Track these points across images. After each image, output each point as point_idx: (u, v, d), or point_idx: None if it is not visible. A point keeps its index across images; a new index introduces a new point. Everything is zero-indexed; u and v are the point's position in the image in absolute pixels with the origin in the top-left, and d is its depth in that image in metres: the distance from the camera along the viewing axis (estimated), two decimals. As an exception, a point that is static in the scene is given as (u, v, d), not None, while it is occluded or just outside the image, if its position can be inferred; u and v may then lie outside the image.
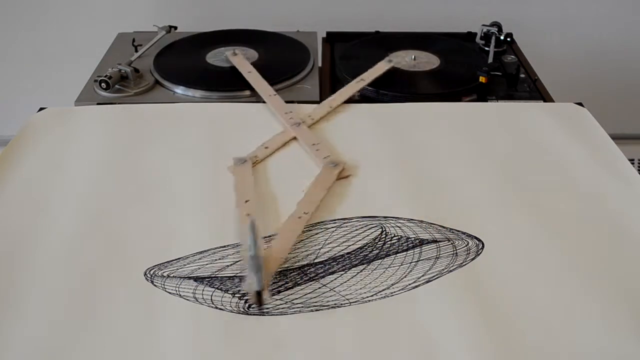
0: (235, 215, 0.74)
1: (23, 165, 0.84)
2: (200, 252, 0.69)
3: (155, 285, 0.65)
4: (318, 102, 0.99)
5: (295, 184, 0.79)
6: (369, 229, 0.73)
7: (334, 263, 0.68)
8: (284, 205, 0.76)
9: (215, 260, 0.68)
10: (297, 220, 0.73)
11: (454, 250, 0.70)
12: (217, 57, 1.12)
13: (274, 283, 0.65)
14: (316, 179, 0.80)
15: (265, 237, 0.71)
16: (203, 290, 0.65)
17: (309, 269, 0.68)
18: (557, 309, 0.62)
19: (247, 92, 1.03)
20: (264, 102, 0.99)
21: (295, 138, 0.90)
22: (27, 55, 1.53)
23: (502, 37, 1.17)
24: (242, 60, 1.08)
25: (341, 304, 0.63)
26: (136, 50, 1.14)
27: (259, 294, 0.62)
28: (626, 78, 1.59)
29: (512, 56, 1.12)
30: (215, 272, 0.67)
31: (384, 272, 0.67)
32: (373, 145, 0.88)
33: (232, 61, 1.08)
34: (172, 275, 0.67)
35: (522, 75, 1.08)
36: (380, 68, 1.05)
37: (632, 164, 1.15)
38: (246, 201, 0.76)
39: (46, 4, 1.48)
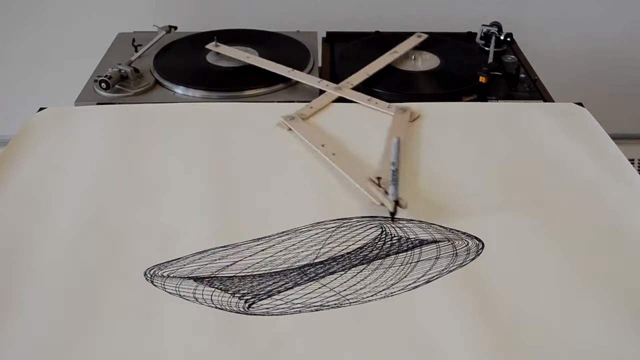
0: (322, 155, 0.83)
1: (23, 165, 0.83)
2: (200, 252, 0.69)
3: (155, 285, 0.65)
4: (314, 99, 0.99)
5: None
6: (369, 229, 0.73)
7: (334, 263, 0.68)
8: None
9: (215, 260, 0.68)
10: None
11: (454, 251, 0.70)
12: (217, 57, 1.12)
13: (274, 283, 0.66)
14: (393, 125, 0.90)
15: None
16: (203, 290, 0.65)
17: (309, 269, 0.68)
18: (557, 309, 0.62)
19: (247, 92, 1.03)
20: (264, 102, 0.99)
21: (340, 99, 0.98)
22: (27, 55, 1.53)
23: (502, 37, 1.17)
24: (228, 48, 1.11)
25: (341, 304, 0.63)
26: (136, 50, 1.14)
27: (396, 202, 0.71)
28: (626, 78, 1.59)
29: (512, 56, 1.12)
30: (215, 272, 0.67)
31: (384, 272, 0.67)
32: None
33: (220, 52, 1.10)
34: (172, 275, 0.67)
35: (522, 75, 1.08)
36: (412, 41, 1.14)
37: (632, 164, 1.15)
38: (323, 145, 0.85)
39: (46, 3, 1.48)
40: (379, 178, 0.76)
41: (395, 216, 0.73)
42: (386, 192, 0.74)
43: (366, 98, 0.97)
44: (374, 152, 0.85)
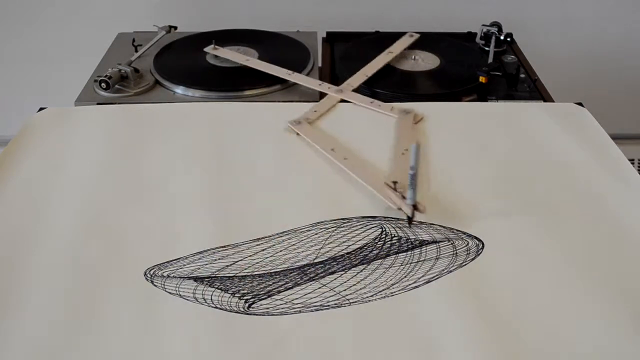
0: (333, 161, 0.83)
1: (23, 165, 0.83)
2: (200, 252, 0.69)
3: (155, 285, 0.65)
4: (318, 102, 0.99)
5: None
6: (369, 229, 0.73)
7: (334, 263, 0.68)
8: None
9: (215, 260, 0.68)
10: (402, 156, 0.83)
11: (454, 251, 0.70)
12: (217, 57, 1.12)
13: (274, 283, 0.66)
14: (398, 126, 0.90)
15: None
16: (203, 290, 0.65)
17: (309, 269, 0.68)
18: (557, 309, 0.62)
19: (247, 92, 1.03)
20: (264, 102, 0.99)
21: (342, 100, 0.98)
22: (27, 55, 1.53)
23: (502, 37, 1.17)
24: (227, 51, 1.11)
25: (341, 304, 0.63)
26: (136, 50, 1.14)
27: (414, 207, 0.71)
28: (626, 78, 1.59)
29: (512, 56, 1.12)
30: (215, 272, 0.67)
31: (384, 272, 0.67)
32: (373, 145, 0.88)
33: (220, 55, 1.10)
34: (172, 275, 0.67)
35: (522, 75, 1.08)
36: (406, 40, 1.14)
37: (632, 164, 1.15)
38: (332, 149, 0.84)
39: (46, 3, 1.48)
40: (395, 182, 0.76)
41: (397, 217, 0.73)
42: (403, 197, 0.73)
43: (368, 100, 0.97)
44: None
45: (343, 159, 0.83)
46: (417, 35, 1.16)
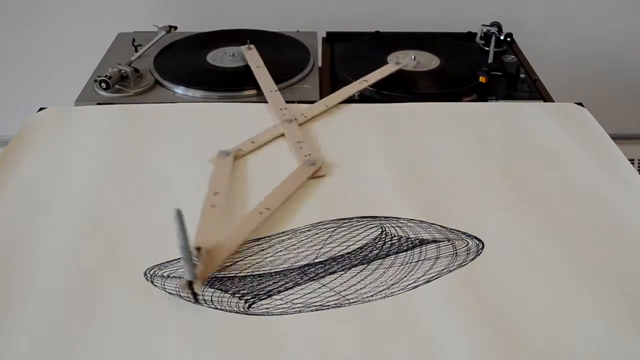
0: (202, 205, 0.74)
1: (23, 165, 0.83)
2: (200, 252, 0.69)
3: (155, 285, 0.65)
4: (318, 102, 0.99)
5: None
6: (369, 229, 0.73)
7: (334, 263, 0.68)
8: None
9: (215, 260, 0.68)
10: (257, 215, 0.73)
11: (454, 251, 0.70)
12: (217, 57, 1.12)
13: (274, 283, 0.66)
14: (289, 176, 0.80)
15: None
16: (203, 290, 0.65)
17: (309, 269, 0.68)
18: (557, 309, 0.62)
19: (247, 92, 1.03)
20: (264, 102, 0.99)
21: (283, 134, 0.90)
22: (27, 55, 1.53)
23: (502, 37, 1.17)
24: (255, 55, 1.09)
25: (341, 304, 0.63)
26: (136, 50, 1.14)
27: (190, 283, 0.63)
28: (626, 78, 1.59)
29: (512, 56, 1.12)
30: (215, 272, 0.67)
31: (384, 272, 0.67)
32: (373, 145, 0.88)
33: (245, 55, 1.09)
34: (172, 275, 0.67)
35: (522, 75, 1.08)
36: (386, 70, 1.05)
37: (632, 164, 1.15)
38: (215, 193, 0.76)
39: (46, 3, 1.48)
40: (198, 249, 0.66)
41: (397, 217, 0.73)
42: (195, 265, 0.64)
43: (297, 139, 0.87)
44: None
45: (210, 206, 0.74)
46: (399, 67, 1.07)
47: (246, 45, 1.11)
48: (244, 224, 0.72)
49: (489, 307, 0.62)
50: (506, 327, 0.60)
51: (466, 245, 0.70)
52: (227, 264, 0.68)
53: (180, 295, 0.64)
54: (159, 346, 0.59)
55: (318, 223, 0.74)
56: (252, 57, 1.08)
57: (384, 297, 0.64)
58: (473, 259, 0.69)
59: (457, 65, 1.10)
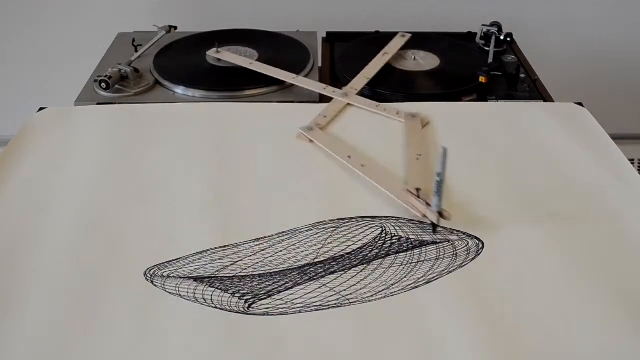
0: (352, 168, 0.82)
1: (23, 165, 0.84)
2: (200, 252, 0.69)
3: (155, 285, 0.65)
4: (318, 102, 0.99)
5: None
6: (369, 229, 0.73)
7: (334, 263, 0.68)
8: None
9: (215, 260, 0.68)
10: (416, 161, 0.83)
11: (453, 251, 0.70)
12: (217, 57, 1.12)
13: (274, 283, 0.66)
14: (406, 130, 0.90)
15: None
16: (203, 290, 0.65)
17: (309, 269, 0.68)
18: (557, 309, 0.62)
19: (247, 92, 1.03)
20: (264, 102, 0.99)
21: (349, 104, 0.97)
22: (27, 55, 1.53)
23: (502, 37, 1.17)
24: (230, 54, 1.10)
25: (341, 304, 0.63)
26: (136, 50, 1.14)
27: (440, 214, 0.70)
28: (626, 78, 1.59)
29: (512, 56, 1.12)
30: (215, 272, 0.67)
31: (384, 272, 0.67)
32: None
33: (222, 58, 1.09)
34: (172, 275, 0.67)
35: (522, 75, 1.08)
36: (399, 41, 1.13)
37: (632, 164, 1.15)
38: (349, 156, 0.83)
39: (46, 3, 1.48)
40: (418, 189, 0.75)
41: (397, 217, 0.73)
42: (427, 204, 0.72)
43: (374, 104, 0.96)
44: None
45: (360, 166, 0.82)
46: (409, 35, 1.16)
47: (214, 49, 1.10)
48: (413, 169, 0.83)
49: (489, 307, 0.62)
50: (506, 327, 0.60)
51: (466, 246, 0.70)
52: (227, 264, 0.68)
53: (180, 295, 0.64)
54: (159, 346, 0.59)
55: (318, 223, 0.74)
56: (232, 57, 1.09)
57: (384, 297, 0.64)
58: (473, 259, 0.69)
59: (457, 65, 1.10)
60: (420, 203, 0.73)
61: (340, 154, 0.84)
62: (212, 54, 1.10)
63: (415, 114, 0.93)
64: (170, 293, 0.64)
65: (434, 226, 0.72)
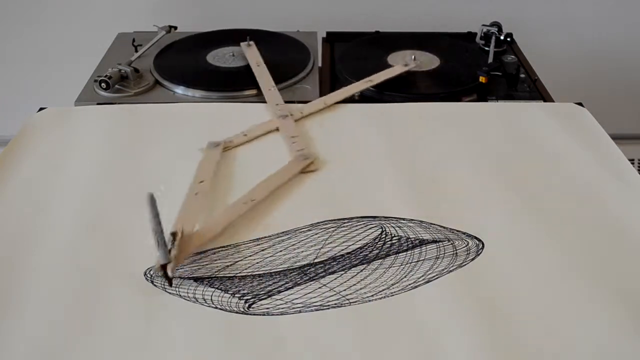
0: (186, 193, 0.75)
1: (23, 165, 0.83)
2: (200, 252, 0.69)
3: (155, 285, 0.65)
4: (316, 101, 0.99)
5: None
6: (369, 229, 0.73)
7: (334, 263, 0.68)
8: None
9: (215, 260, 0.68)
10: (241, 205, 0.74)
11: (454, 251, 0.70)
12: (217, 57, 1.12)
13: (274, 283, 0.66)
14: (280, 169, 0.81)
15: None
16: (203, 290, 0.65)
17: (309, 269, 0.68)
18: (557, 309, 0.62)
19: (247, 92, 1.03)
20: (264, 102, 0.99)
21: (277, 129, 0.90)
22: (27, 55, 1.53)
23: (502, 37, 1.17)
24: (254, 52, 1.09)
25: (341, 304, 0.63)
26: (136, 50, 1.14)
27: (163, 267, 0.63)
28: (626, 78, 1.59)
29: (512, 56, 1.12)
30: (215, 272, 0.67)
31: (384, 272, 0.67)
32: (373, 145, 0.88)
33: (244, 52, 1.09)
34: (171, 275, 0.66)
35: (522, 75, 1.08)
36: (394, 71, 1.04)
37: (632, 164, 1.15)
38: (200, 181, 0.77)
39: (46, 3, 1.48)
40: (174, 234, 0.68)
41: (397, 217, 0.73)
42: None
43: (291, 134, 0.88)
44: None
45: (194, 194, 0.75)
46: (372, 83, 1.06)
47: (246, 42, 1.11)
48: (226, 213, 0.73)
49: (489, 307, 0.62)
50: (506, 327, 0.60)
51: (466, 245, 0.70)
52: (227, 264, 0.68)
53: (180, 295, 0.64)
54: (158, 346, 0.59)
55: (318, 223, 0.74)
56: (253, 54, 1.09)
57: (384, 297, 0.64)
58: (473, 259, 0.69)
59: (457, 65, 1.10)
60: (162, 249, 0.64)
61: (198, 177, 0.78)
62: (244, 46, 1.11)
63: (309, 156, 0.82)
64: (170, 293, 0.64)
65: (166, 279, 0.65)
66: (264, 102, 0.99)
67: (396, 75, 1.04)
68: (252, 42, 1.11)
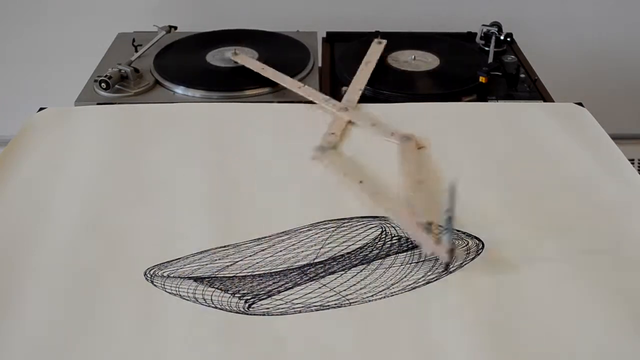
0: (360, 196, 0.77)
1: (23, 165, 0.83)
2: (200, 252, 0.69)
3: (155, 285, 0.65)
4: (314, 102, 0.99)
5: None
6: (369, 229, 0.73)
7: (334, 263, 0.68)
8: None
9: (215, 260, 0.69)
10: (417, 188, 0.78)
11: (454, 250, 0.69)
12: (217, 57, 1.12)
13: (274, 283, 0.66)
14: (401, 154, 0.85)
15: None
16: (203, 290, 0.65)
17: (309, 269, 0.68)
18: (557, 309, 0.62)
19: (247, 92, 1.03)
20: (264, 102, 0.99)
21: (350, 122, 0.93)
22: (27, 55, 1.53)
23: (502, 37, 1.17)
24: (247, 58, 1.08)
25: (341, 304, 0.63)
26: (136, 50, 1.14)
27: (452, 251, 0.66)
28: (626, 78, 1.59)
29: (512, 56, 1.12)
30: (215, 272, 0.67)
31: (384, 272, 0.67)
32: (373, 145, 0.88)
33: (237, 61, 1.08)
34: (172, 275, 0.67)
35: (522, 75, 1.08)
36: (377, 49, 1.10)
37: (632, 164, 1.15)
38: (360, 182, 0.79)
39: (46, 3, 1.48)
40: (430, 223, 0.70)
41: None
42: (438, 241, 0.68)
43: (370, 122, 0.92)
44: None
45: (373, 194, 0.78)
46: (385, 41, 1.13)
47: (232, 51, 1.09)
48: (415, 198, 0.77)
49: (489, 307, 0.62)
50: (506, 327, 0.60)
51: (466, 245, 0.70)
52: (227, 264, 0.68)
53: (180, 295, 0.64)
54: (158, 346, 0.59)
55: (318, 223, 0.74)
56: (248, 61, 1.08)
57: (384, 297, 0.64)
58: (473, 259, 0.69)
59: (457, 65, 1.10)
60: (428, 238, 0.69)
61: (352, 179, 0.80)
62: (230, 55, 1.09)
63: (409, 135, 0.88)
64: (170, 293, 0.64)
65: (447, 265, 0.67)
66: (264, 102, 0.99)
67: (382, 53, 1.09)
68: (238, 51, 1.09)
